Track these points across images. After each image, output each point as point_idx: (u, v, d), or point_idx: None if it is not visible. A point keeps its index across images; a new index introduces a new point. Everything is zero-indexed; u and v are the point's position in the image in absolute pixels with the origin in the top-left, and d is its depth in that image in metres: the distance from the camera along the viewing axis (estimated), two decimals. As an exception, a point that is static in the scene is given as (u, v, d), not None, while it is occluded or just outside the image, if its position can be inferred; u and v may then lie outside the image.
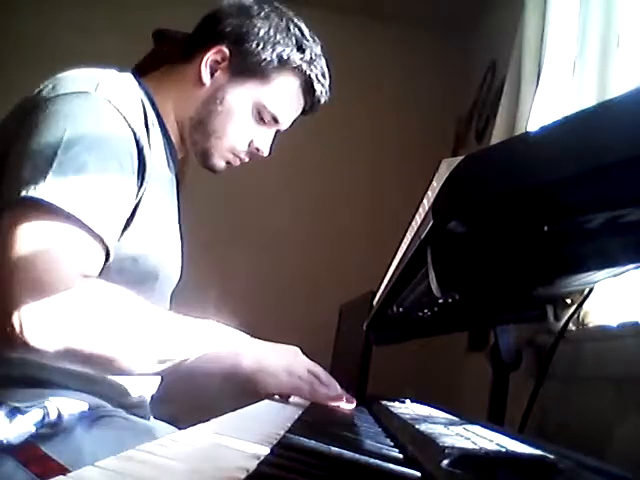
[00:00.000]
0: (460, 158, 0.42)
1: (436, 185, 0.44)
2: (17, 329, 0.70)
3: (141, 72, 1.02)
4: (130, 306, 0.80)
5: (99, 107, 0.82)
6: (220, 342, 0.90)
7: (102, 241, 0.77)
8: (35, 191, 0.73)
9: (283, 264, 2.77)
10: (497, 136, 1.69)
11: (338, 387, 1.03)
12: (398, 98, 2.94)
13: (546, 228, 0.44)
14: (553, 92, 1.44)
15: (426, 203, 0.48)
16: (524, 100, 1.52)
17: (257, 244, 2.79)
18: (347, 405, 1.02)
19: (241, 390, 0.94)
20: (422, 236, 0.49)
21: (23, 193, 0.73)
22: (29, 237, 0.72)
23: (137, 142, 0.84)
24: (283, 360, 0.96)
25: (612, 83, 1.13)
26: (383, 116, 2.93)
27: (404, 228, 0.66)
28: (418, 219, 0.53)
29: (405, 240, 0.65)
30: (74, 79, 0.85)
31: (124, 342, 0.79)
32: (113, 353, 0.78)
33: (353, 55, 2.79)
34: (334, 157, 2.92)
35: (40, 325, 0.71)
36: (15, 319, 0.70)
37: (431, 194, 0.46)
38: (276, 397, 1.00)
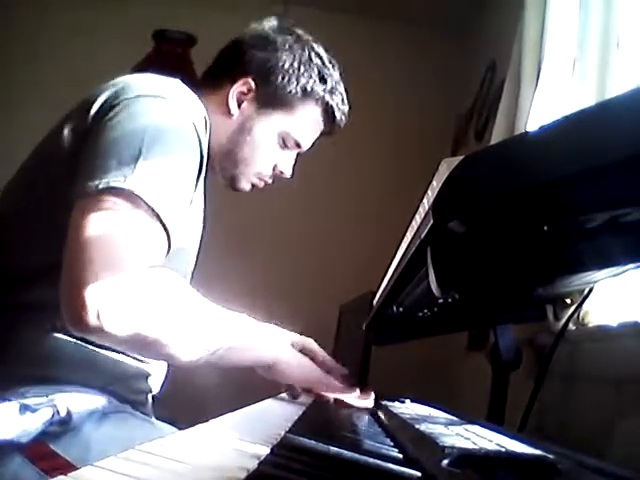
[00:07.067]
0: (460, 158, 0.42)
1: (436, 185, 0.44)
2: (92, 313, 0.70)
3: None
4: (187, 296, 0.84)
5: (175, 111, 0.86)
6: (252, 334, 0.95)
7: (168, 237, 0.80)
8: (123, 182, 0.75)
9: (283, 264, 2.77)
10: (497, 136, 1.69)
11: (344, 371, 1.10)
12: (398, 97, 2.93)
13: (546, 228, 0.44)
14: (553, 92, 1.44)
15: (426, 203, 0.48)
16: (524, 100, 1.52)
17: (257, 244, 2.79)
18: (363, 401, 1.08)
19: (265, 378, 1.03)
20: (422, 236, 0.49)
21: (110, 183, 0.75)
22: (105, 221, 0.74)
23: (200, 146, 0.89)
24: (299, 356, 1.03)
25: (612, 83, 1.13)
26: (383, 115, 2.92)
27: (404, 228, 0.66)
28: (418, 219, 0.53)
29: (405, 240, 0.65)
30: (147, 82, 0.89)
31: (181, 330, 0.82)
32: (170, 340, 0.80)
33: (353, 55, 2.78)
34: (333, 157, 2.91)
35: (115, 310, 0.72)
36: (90, 304, 0.70)
37: (431, 194, 0.46)
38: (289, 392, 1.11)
